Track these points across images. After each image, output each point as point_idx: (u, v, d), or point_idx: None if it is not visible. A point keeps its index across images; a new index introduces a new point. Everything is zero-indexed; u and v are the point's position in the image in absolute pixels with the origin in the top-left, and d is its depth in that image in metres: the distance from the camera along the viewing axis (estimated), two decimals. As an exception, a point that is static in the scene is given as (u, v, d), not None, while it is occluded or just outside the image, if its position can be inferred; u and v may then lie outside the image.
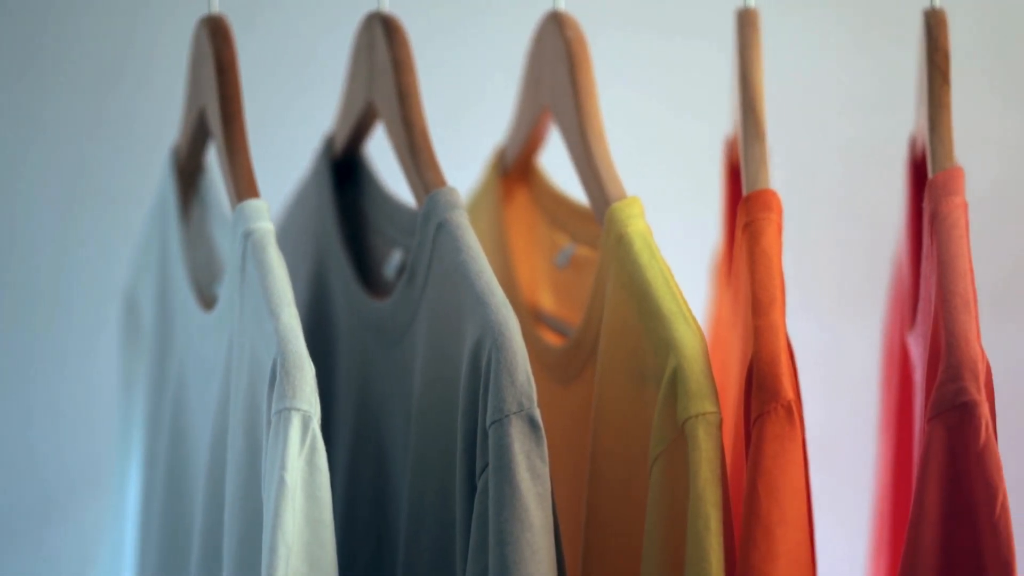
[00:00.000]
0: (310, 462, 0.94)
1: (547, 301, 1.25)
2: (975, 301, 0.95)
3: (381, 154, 1.25)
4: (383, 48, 1.13)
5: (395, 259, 1.16)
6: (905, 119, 1.25)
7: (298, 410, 0.94)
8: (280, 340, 0.96)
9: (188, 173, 1.24)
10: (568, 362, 1.12)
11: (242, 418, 1.01)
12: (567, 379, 1.12)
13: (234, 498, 1.01)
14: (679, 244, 1.25)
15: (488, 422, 0.94)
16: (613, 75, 1.37)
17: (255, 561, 0.99)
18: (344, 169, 1.25)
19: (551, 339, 1.19)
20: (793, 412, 0.94)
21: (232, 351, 1.05)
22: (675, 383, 0.96)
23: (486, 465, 0.94)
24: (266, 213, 1.06)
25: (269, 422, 0.95)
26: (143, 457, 1.26)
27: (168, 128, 1.34)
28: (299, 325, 0.98)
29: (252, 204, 1.06)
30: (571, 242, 1.22)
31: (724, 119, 1.36)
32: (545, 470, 0.94)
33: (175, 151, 1.24)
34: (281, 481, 0.93)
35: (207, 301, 1.17)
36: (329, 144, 1.24)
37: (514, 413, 0.94)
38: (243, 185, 1.09)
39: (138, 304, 1.30)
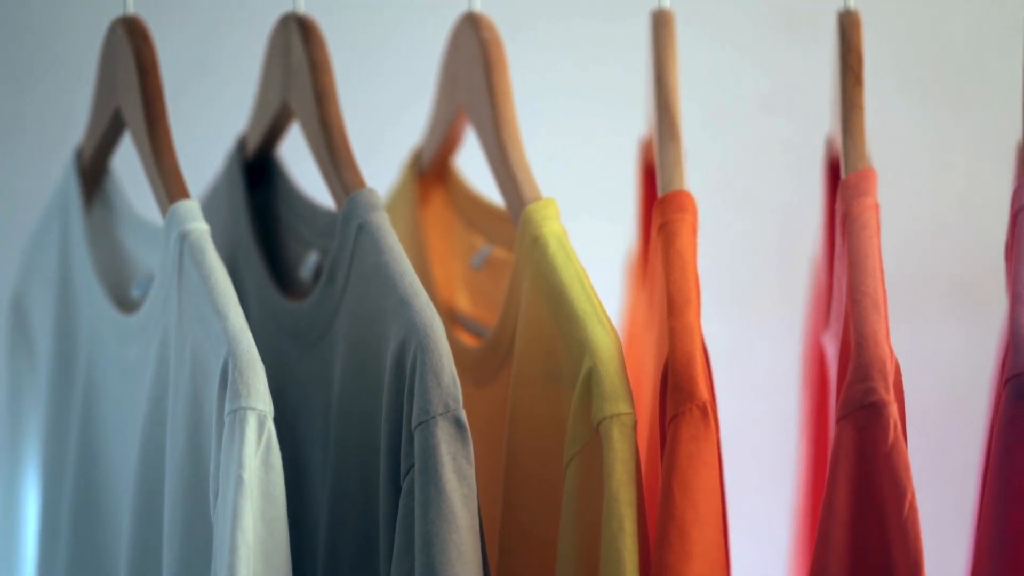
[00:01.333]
0: (266, 461, 0.94)
1: (463, 302, 1.25)
2: (885, 301, 0.95)
3: (294, 156, 1.24)
4: (299, 49, 1.12)
5: (311, 261, 1.16)
6: (822, 120, 1.26)
7: (253, 409, 0.94)
8: (231, 340, 0.96)
9: (92, 174, 1.22)
10: (484, 364, 1.12)
11: (184, 420, 1.00)
12: (483, 381, 1.12)
13: (176, 500, 1.00)
14: (594, 245, 1.25)
15: (414, 424, 0.94)
16: (526, 72, 1.37)
17: (201, 562, 0.98)
18: (256, 171, 1.24)
19: (467, 340, 1.19)
20: (708, 413, 0.95)
21: (168, 353, 1.04)
22: (590, 384, 0.96)
23: (411, 466, 0.94)
24: (199, 214, 1.05)
25: (222, 422, 0.95)
26: (43, 463, 1.24)
27: (71, 129, 1.32)
28: (247, 325, 0.98)
29: (185, 205, 1.05)
30: (487, 243, 1.22)
31: (640, 120, 1.36)
32: (471, 471, 0.94)
33: (78, 152, 1.23)
34: (239, 480, 0.93)
35: (125, 304, 1.15)
36: (241, 145, 1.23)
37: (440, 415, 0.94)
38: (173, 187, 1.08)
39: (26, 308, 1.27)
